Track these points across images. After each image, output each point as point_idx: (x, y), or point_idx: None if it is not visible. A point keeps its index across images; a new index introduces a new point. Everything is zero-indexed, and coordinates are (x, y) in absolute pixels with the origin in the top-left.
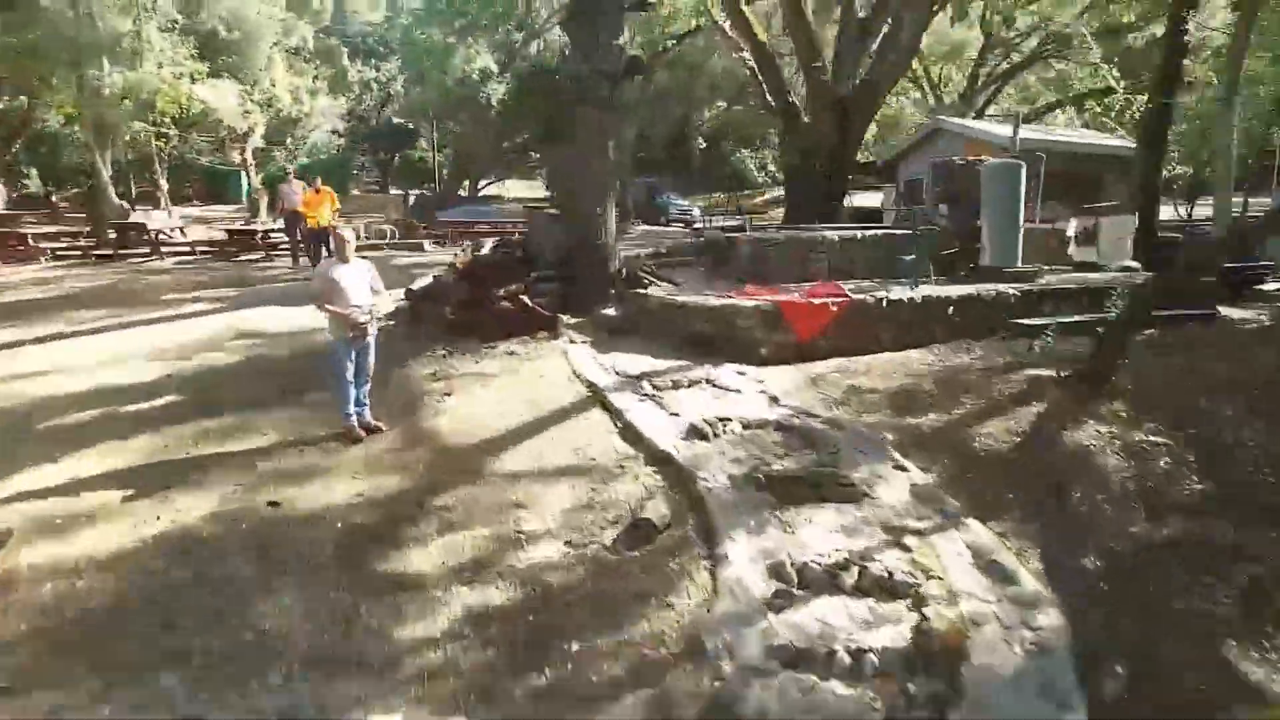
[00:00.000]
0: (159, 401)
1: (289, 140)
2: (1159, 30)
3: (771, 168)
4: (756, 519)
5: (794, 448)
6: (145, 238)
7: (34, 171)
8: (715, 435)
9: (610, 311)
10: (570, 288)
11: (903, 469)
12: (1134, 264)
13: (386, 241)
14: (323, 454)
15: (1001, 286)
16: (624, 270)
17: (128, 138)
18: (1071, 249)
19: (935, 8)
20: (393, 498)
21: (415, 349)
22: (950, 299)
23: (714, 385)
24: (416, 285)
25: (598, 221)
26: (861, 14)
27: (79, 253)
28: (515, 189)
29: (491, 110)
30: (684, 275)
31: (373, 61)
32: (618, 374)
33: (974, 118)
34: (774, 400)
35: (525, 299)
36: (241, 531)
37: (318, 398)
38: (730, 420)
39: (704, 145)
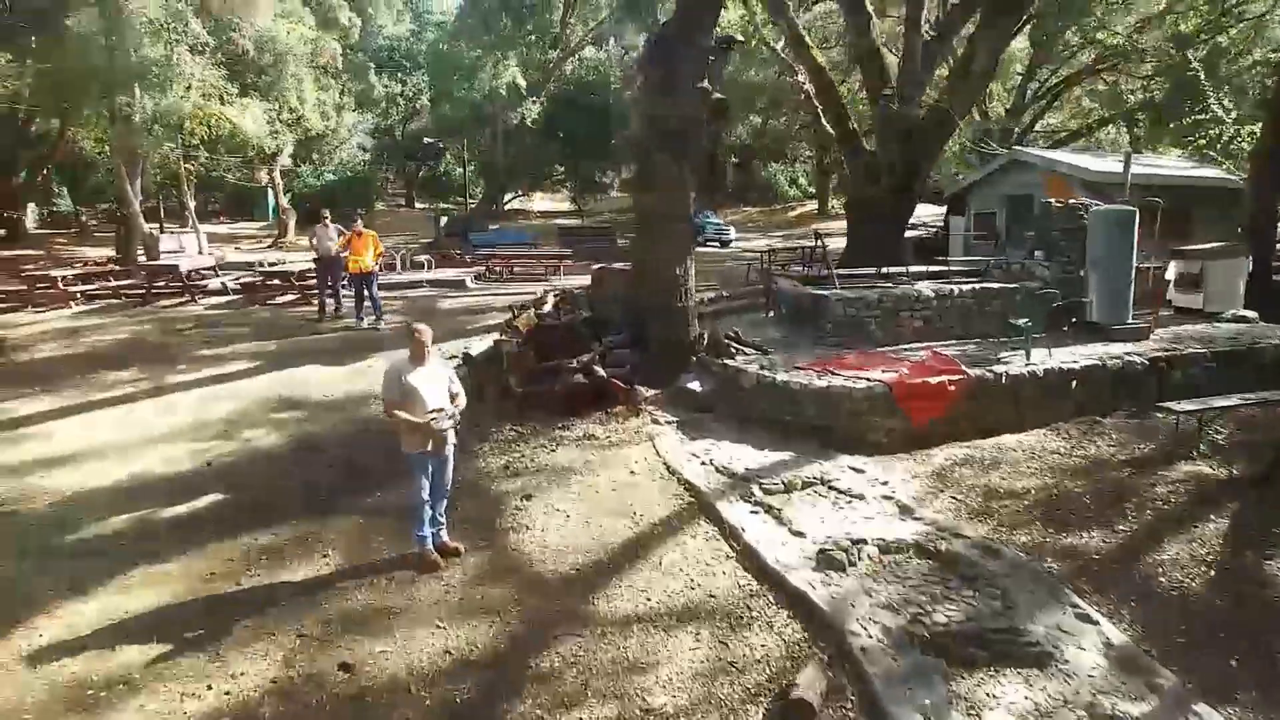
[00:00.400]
0: (201, 503)
1: (315, 156)
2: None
3: (803, 181)
4: (932, 697)
5: (950, 586)
6: (177, 283)
7: (64, 190)
8: (851, 563)
9: (694, 386)
10: (645, 355)
11: (1088, 619)
12: (1249, 313)
13: (426, 278)
14: (396, 587)
15: (1125, 354)
16: (705, 336)
17: (156, 160)
18: (1172, 293)
19: (1015, 32)
20: (487, 657)
21: (481, 430)
22: (1073, 371)
23: (831, 487)
24: (475, 349)
25: (677, 282)
26: (927, 37)
27: (110, 293)
28: (540, 203)
29: (527, 125)
30: (762, 333)
31: (399, 75)
32: (717, 470)
33: (1022, 135)
34: (905, 510)
35: (599, 369)
36: (311, 714)
37: (379, 499)
38: (865, 543)
39: (735, 160)
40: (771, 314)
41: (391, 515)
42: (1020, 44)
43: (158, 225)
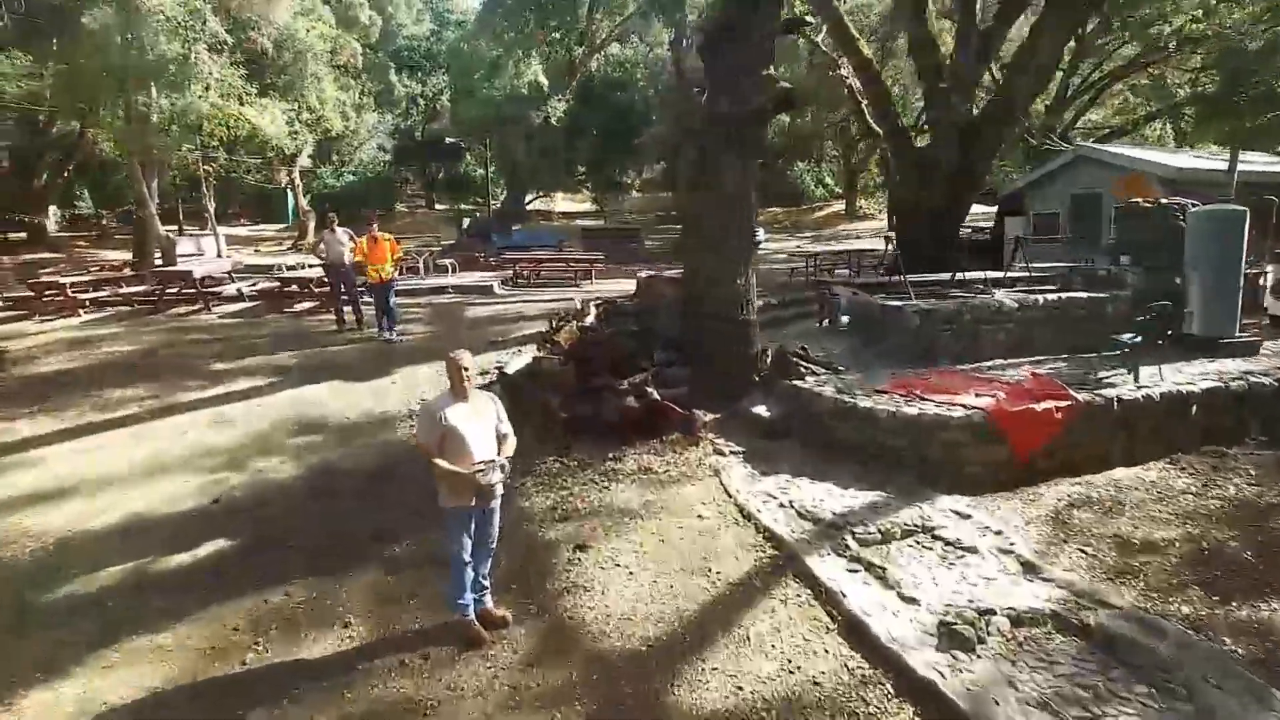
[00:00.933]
0: (204, 550)
1: (335, 156)
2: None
3: (830, 181)
4: None
5: (1113, 678)
6: (191, 290)
7: (85, 193)
8: (981, 640)
9: (761, 411)
10: (702, 374)
11: None
12: None
13: (451, 282)
14: (433, 669)
15: (1244, 372)
16: (767, 353)
17: (174, 161)
18: (1268, 301)
19: (1084, 24)
20: None
21: (523, 463)
22: (1192, 394)
23: (936, 536)
24: (511, 366)
25: (738, 293)
26: (983, 25)
27: (120, 300)
28: (561, 204)
29: (551, 124)
30: (820, 346)
31: (418, 75)
32: (799, 513)
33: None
34: (1029, 568)
35: (652, 391)
36: None
37: (407, 549)
38: (993, 613)
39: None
40: (824, 323)
41: (423, 567)
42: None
43: (176, 228)
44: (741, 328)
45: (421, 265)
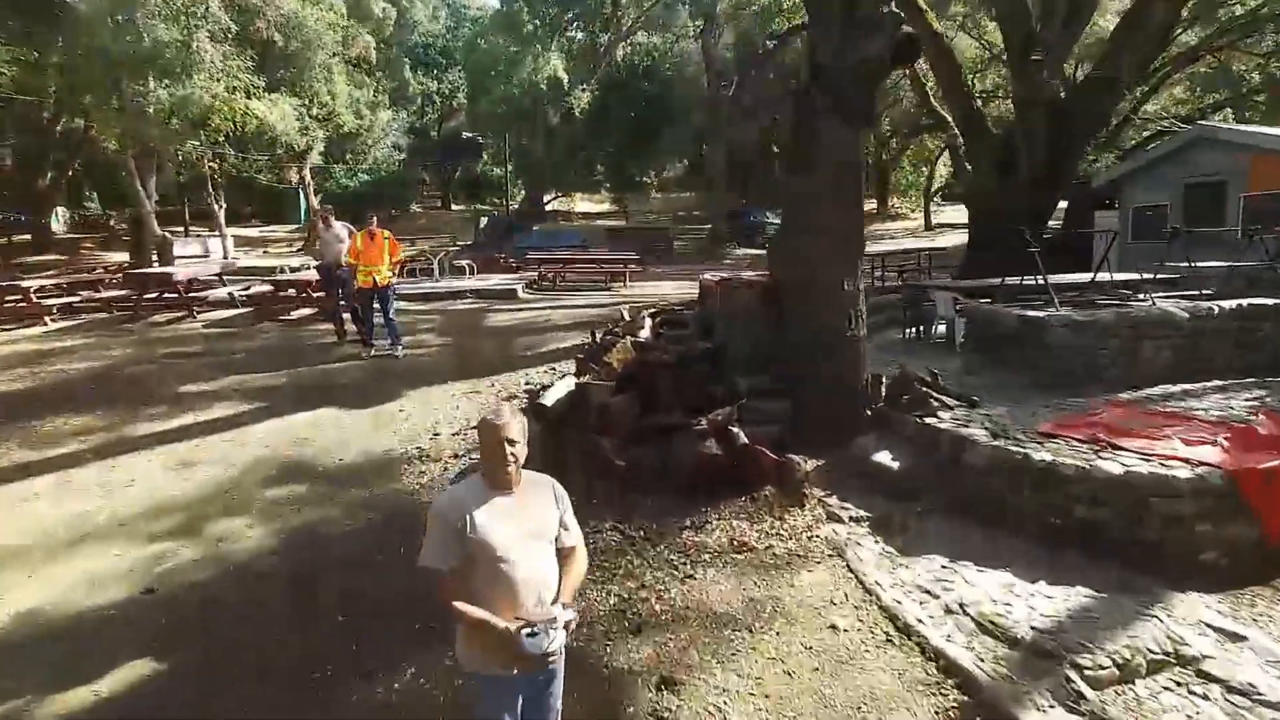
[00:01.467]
0: (113, 678)
1: (349, 155)
2: None
3: None
4: None
5: None
6: (172, 294)
7: (94, 193)
8: None
9: (882, 458)
10: (799, 408)
11: None
12: None
13: (469, 285)
14: None
15: None
16: (882, 379)
17: (179, 158)
18: None
19: None
20: None
21: None
22: None
23: (1204, 673)
24: (549, 395)
25: (845, 302)
26: None
27: (97, 305)
28: (580, 204)
29: (575, 117)
30: (924, 364)
31: (434, 72)
32: (979, 624)
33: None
34: None
35: (738, 431)
36: None
37: (410, 683)
38: None
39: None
40: (911, 334)
41: None
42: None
43: (182, 228)
44: (850, 348)
45: (436, 267)
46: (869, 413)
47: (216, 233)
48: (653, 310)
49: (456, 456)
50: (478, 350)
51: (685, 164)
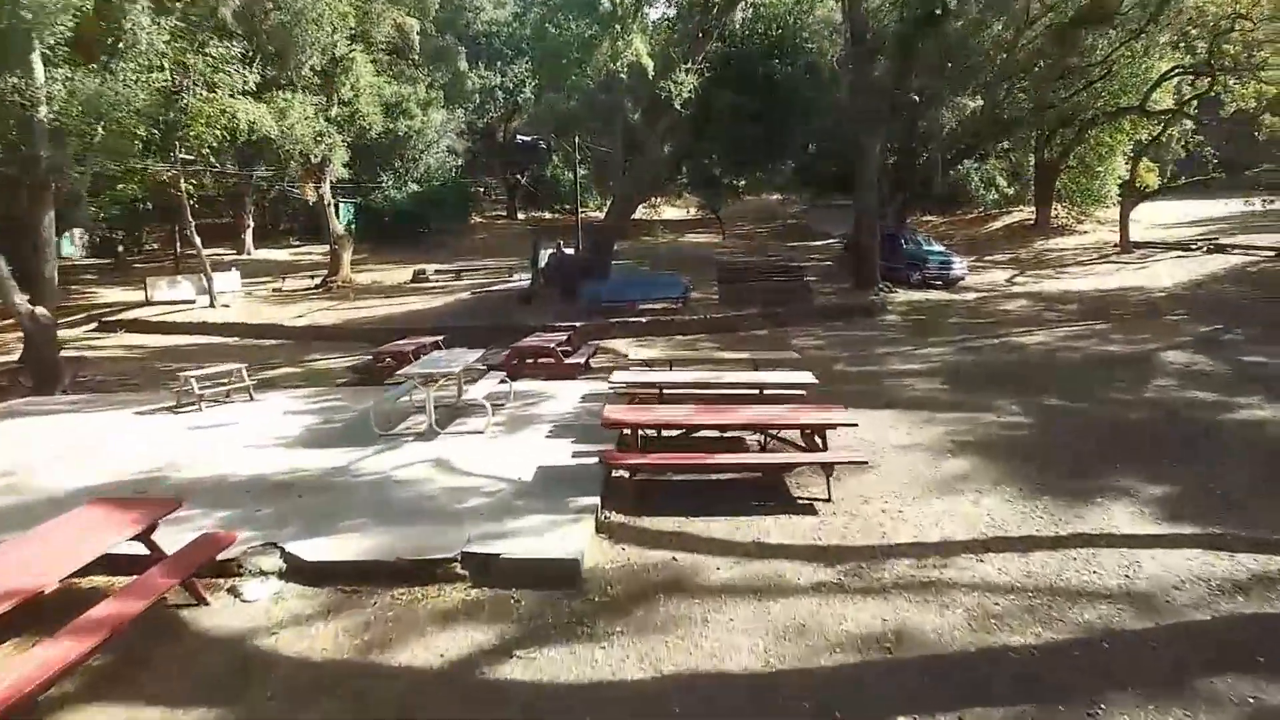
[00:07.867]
0: None
1: (397, 163)
2: None
3: (1001, 182)
4: None
5: None
6: None
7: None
8: None
9: None
10: None
11: None
12: None
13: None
14: None
15: None
16: None
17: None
18: None
19: None
20: None
21: None
22: None
23: None
24: None
25: None
26: None
27: None
28: (665, 210)
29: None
30: None
31: (498, 65)
32: None
33: None
34: None
35: None
36: None
37: None
38: None
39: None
40: None
41: None
42: None
43: (173, 260)
44: None
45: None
46: None
47: (246, 253)
48: None
49: None
50: None
51: (791, 165)
